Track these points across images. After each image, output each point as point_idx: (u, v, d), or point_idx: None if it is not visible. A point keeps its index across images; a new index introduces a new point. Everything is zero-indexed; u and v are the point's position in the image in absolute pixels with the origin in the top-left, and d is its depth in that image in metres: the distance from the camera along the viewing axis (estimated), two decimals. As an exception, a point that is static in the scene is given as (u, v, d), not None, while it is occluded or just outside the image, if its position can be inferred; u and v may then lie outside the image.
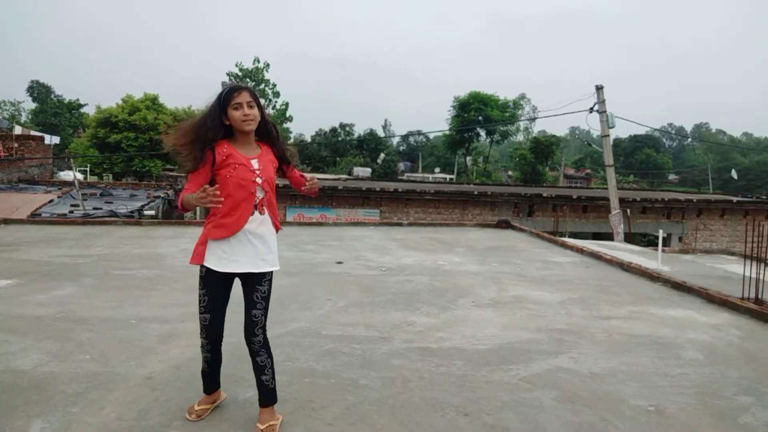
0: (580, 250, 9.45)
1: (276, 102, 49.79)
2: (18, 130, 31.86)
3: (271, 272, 3.17)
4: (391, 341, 4.73)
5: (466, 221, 17.71)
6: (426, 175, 62.00)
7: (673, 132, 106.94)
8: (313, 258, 8.33)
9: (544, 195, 20.94)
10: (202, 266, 3.11)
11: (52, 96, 64.09)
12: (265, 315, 3.15)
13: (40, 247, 8.43)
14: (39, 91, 64.42)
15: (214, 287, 3.11)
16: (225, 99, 2.98)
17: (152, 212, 17.64)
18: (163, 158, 36.13)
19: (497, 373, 4.08)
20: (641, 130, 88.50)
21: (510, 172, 69.72)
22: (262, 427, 3.11)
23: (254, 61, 49.18)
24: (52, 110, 60.65)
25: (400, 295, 6.33)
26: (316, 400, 3.55)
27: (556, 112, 16.79)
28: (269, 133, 3.20)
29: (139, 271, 7.10)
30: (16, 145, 25.65)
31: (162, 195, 23.22)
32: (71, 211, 16.49)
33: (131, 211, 17.03)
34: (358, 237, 10.68)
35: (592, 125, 16.87)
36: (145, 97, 37.14)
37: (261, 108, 3.08)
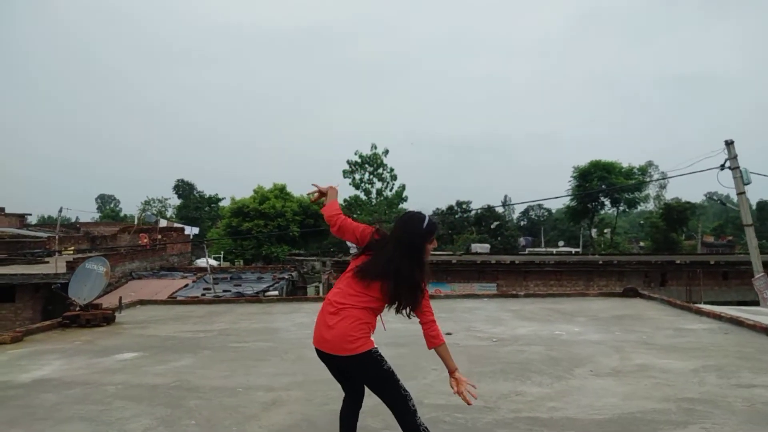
0: (718, 316, 8.47)
1: (393, 185, 51.25)
2: (163, 223, 35.29)
3: None
4: (497, 411, 4.41)
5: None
6: (549, 249, 59.88)
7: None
8: (421, 329, 8.14)
9: (678, 262, 19.35)
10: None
11: (195, 192, 70.62)
12: None
13: (169, 324, 9.00)
14: (183, 188, 71.32)
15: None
16: (428, 233, 3.10)
17: (275, 292, 18.41)
18: (290, 243, 38.16)
19: (615, 446, 3.63)
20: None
21: (641, 243, 65.46)
22: None
23: (372, 147, 51.45)
24: (194, 205, 66.67)
25: (511, 365, 5.96)
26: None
27: (683, 171, 15.61)
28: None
29: (254, 344, 7.32)
30: (159, 236, 28.29)
31: (286, 277, 24.27)
32: (203, 294, 17.63)
33: (256, 292, 17.90)
34: (471, 309, 10.36)
35: (725, 183, 15.45)
36: (274, 187, 39.86)
37: None
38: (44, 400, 4.84)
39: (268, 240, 36.40)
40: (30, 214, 48.08)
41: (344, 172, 45.67)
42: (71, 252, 23.30)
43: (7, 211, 42.32)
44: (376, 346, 3.06)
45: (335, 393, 4.96)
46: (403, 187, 52.86)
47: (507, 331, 7.97)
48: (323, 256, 30.97)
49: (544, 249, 60.41)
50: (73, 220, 55.29)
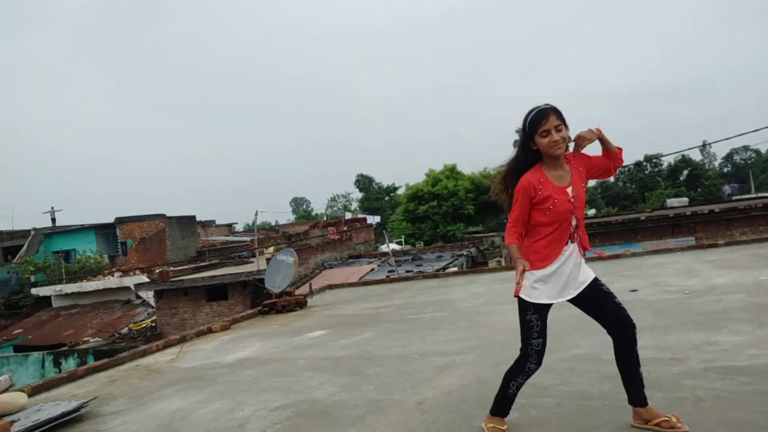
0: None
1: (568, 147, 48.88)
2: (347, 216, 37.47)
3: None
4: (686, 362, 4.01)
5: (815, 234, 14.37)
6: (763, 194, 52.61)
7: None
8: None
9: None
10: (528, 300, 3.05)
11: (374, 184, 73.84)
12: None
13: (353, 304, 9.56)
14: (363, 182, 74.91)
15: (545, 314, 3.06)
16: (532, 124, 2.92)
17: (455, 269, 18.61)
18: (466, 221, 38.26)
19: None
20: None
21: None
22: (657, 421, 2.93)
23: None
24: (374, 196, 69.76)
25: (704, 315, 5.37)
26: (589, 422, 3.19)
27: None
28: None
29: (430, 314, 7.48)
30: (345, 228, 30.07)
31: (465, 253, 24.41)
32: (387, 276, 18.40)
33: (436, 270, 18.25)
34: (661, 264, 9.52)
35: None
36: (445, 168, 40.23)
37: (565, 123, 2.94)
38: (245, 376, 5.43)
39: (443, 220, 36.83)
40: (236, 223, 54.15)
41: (515, 142, 44.65)
42: (271, 251, 25.74)
43: (217, 222, 48.29)
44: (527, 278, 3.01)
45: (508, 354, 4.89)
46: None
47: (702, 283, 7.20)
48: (502, 230, 30.55)
49: (754, 195, 53.25)
50: (273, 223, 61.08)
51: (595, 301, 3.04)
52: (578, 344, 4.94)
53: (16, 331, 23.33)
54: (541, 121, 2.88)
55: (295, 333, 7.46)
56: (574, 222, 2.99)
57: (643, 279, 8.09)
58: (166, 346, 7.54)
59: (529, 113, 2.95)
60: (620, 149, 3.09)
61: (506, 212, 3.13)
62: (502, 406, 3.19)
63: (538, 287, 2.99)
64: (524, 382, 3.13)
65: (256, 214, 24.26)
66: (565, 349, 4.82)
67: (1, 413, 4.41)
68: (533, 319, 3.02)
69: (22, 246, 32.96)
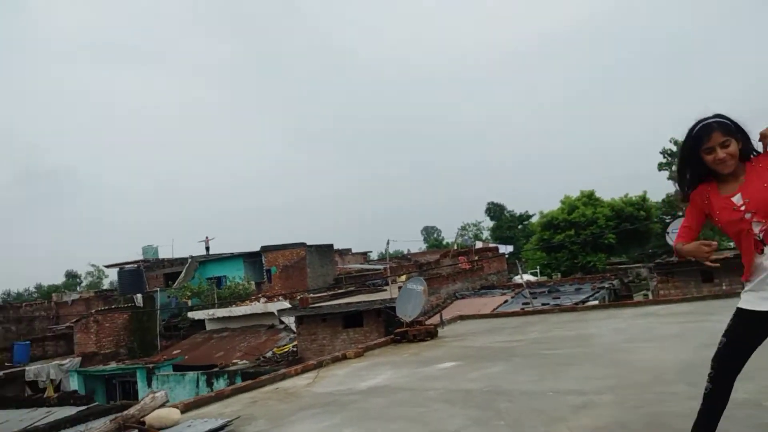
0: None
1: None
2: (479, 245, 37.09)
3: None
4: None
5: None
6: None
7: None
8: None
9: None
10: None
11: (506, 212, 72.58)
12: None
13: (484, 336, 9.38)
14: (494, 210, 73.88)
15: (745, 323, 2.82)
16: (695, 142, 2.81)
17: (595, 302, 17.63)
18: (607, 251, 36.22)
19: None
20: None
21: None
22: None
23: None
24: (506, 225, 68.47)
25: None
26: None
27: None
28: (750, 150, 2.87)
29: (565, 350, 7.15)
30: (476, 257, 29.76)
31: (606, 285, 23.07)
32: (522, 308, 17.87)
33: (575, 303, 17.42)
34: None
35: None
36: (582, 195, 38.53)
37: (735, 136, 2.75)
38: (376, 404, 5.52)
39: (582, 250, 35.14)
40: (371, 251, 55.72)
41: (659, 165, 41.77)
42: (403, 279, 26.11)
43: (353, 251, 50.05)
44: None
45: (651, 396, 4.55)
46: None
47: None
48: (648, 261, 28.56)
49: None
50: (405, 252, 62.00)
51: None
52: (734, 388, 4.44)
53: (175, 352, 25.56)
54: (703, 138, 2.76)
55: (425, 363, 7.47)
56: (757, 229, 2.70)
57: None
58: (304, 371, 7.87)
59: (692, 127, 2.83)
60: None
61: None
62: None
63: (743, 297, 2.84)
64: (709, 391, 2.94)
65: (388, 243, 24.80)
66: (718, 393, 4.36)
67: (158, 426, 4.85)
68: (732, 323, 2.86)
69: (180, 272, 36.30)
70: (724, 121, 2.77)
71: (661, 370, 5.39)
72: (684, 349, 6.17)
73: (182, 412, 5.80)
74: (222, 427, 4.93)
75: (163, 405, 5.16)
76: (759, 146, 2.83)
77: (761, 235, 2.70)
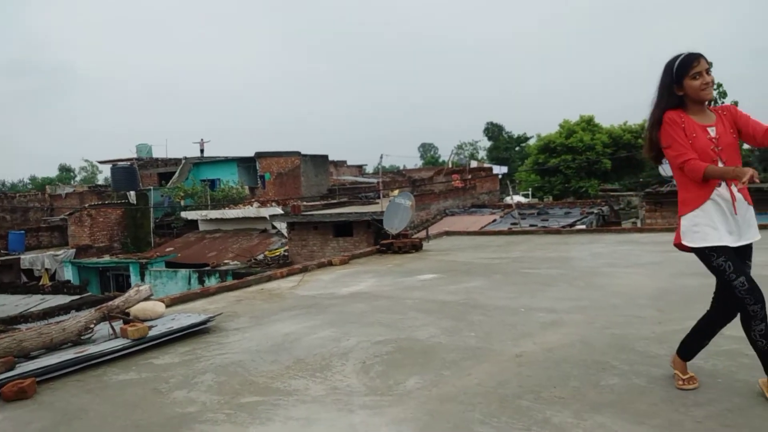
0: None
1: (722, 102, 44.23)
2: (474, 164, 37.01)
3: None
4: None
5: None
6: None
7: None
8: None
9: None
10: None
11: (504, 133, 71.92)
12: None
13: (468, 252, 9.58)
14: (493, 131, 73.16)
15: (730, 254, 2.85)
16: (682, 68, 2.92)
17: (583, 226, 17.87)
18: (601, 177, 36.30)
19: None
20: None
21: None
22: None
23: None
24: (503, 146, 68.05)
25: None
26: (696, 398, 3.05)
27: None
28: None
29: (544, 270, 7.32)
30: (469, 176, 29.79)
31: (596, 211, 23.29)
32: (509, 228, 18.11)
33: (562, 226, 17.65)
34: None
35: None
36: (581, 120, 38.07)
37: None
38: (355, 309, 5.70)
39: (576, 174, 35.19)
40: (366, 165, 55.52)
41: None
42: (396, 193, 26.24)
43: (348, 163, 49.93)
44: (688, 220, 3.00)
45: (619, 318, 4.72)
46: (735, 104, 45.25)
47: None
48: (641, 189, 28.67)
49: None
50: (401, 167, 61.88)
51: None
52: (698, 315, 4.60)
53: (168, 249, 26.01)
54: (692, 63, 2.88)
55: (407, 274, 7.66)
56: (720, 165, 2.85)
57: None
58: (289, 274, 8.08)
59: (675, 58, 2.95)
60: None
61: (668, 161, 3.03)
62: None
63: (698, 230, 2.91)
64: (763, 327, 2.79)
65: (381, 157, 24.91)
66: (681, 319, 4.50)
67: (142, 318, 5.02)
68: (720, 262, 2.85)
69: (174, 173, 36.28)
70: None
71: (635, 295, 5.56)
72: (660, 276, 6.34)
73: (168, 306, 5.99)
74: (205, 321, 5.10)
75: (148, 298, 5.31)
76: None
77: None
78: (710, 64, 2.97)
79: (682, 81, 2.91)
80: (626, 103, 79.10)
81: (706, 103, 3.02)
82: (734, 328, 4.08)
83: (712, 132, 2.91)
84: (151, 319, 5.08)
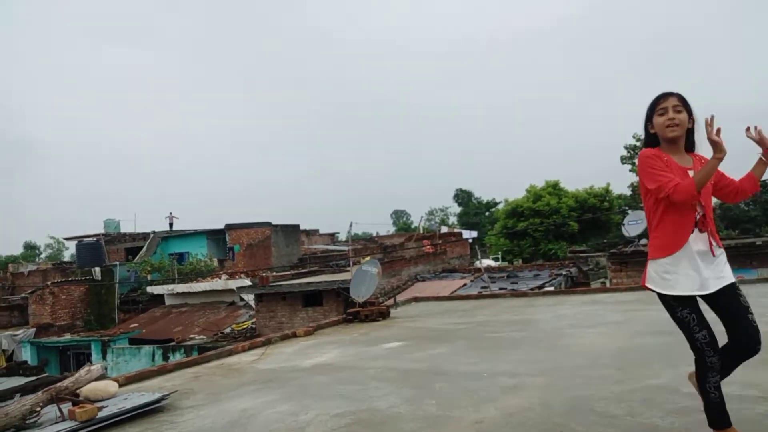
0: None
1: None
2: (444, 229, 37.35)
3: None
4: (775, 402, 3.65)
5: None
6: None
7: None
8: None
9: None
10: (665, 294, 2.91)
11: (473, 199, 73.15)
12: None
13: (435, 317, 9.52)
14: (462, 196, 74.41)
15: (694, 306, 2.84)
16: (651, 106, 2.93)
17: (551, 288, 17.99)
18: (569, 240, 36.89)
19: None
20: None
21: None
22: None
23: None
24: (473, 211, 69.05)
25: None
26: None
27: None
28: (693, 144, 2.99)
29: (509, 334, 7.31)
30: (440, 242, 29.99)
31: (564, 272, 23.53)
32: (479, 292, 18.12)
33: (531, 288, 17.73)
34: (773, 293, 8.70)
35: None
36: (547, 185, 39.05)
37: (690, 114, 2.89)
38: (316, 381, 5.57)
39: (544, 238, 35.72)
40: (338, 233, 55.54)
41: (622, 158, 42.46)
42: (367, 260, 26.19)
43: (321, 232, 49.94)
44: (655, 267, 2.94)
45: (580, 380, 4.70)
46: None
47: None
48: (608, 250, 29.14)
49: None
50: (374, 234, 62.05)
51: (731, 306, 2.81)
52: (658, 374, 4.63)
53: (133, 325, 25.23)
54: (659, 99, 2.88)
55: (372, 342, 7.55)
56: (699, 209, 2.83)
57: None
58: (252, 347, 7.88)
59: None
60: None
61: (650, 199, 2.92)
62: (717, 417, 2.85)
63: (669, 278, 2.84)
64: (718, 379, 2.81)
65: (351, 225, 25.00)
66: (641, 378, 4.55)
67: (93, 399, 4.81)
68: (684, 314, 2.82)
69: (142, 247, 35.72)
70: (683, 95, 2.91)
71: (596, 355, 5.56)
72: (622, 335, 6.36)
73: (122, 385, 5.77)
74: (159, 400, 4.92)
75: (100, 378, 5.11)
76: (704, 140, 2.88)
77: (697, 216, 2.84)
78: (688, 105, 2.88)
79: (652, 118, 2.92)
80: (592, 168, 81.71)
81: (684, 148, 2.94)
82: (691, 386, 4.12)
83: (692, 174, 2.81)
84: (103, 399, 4.88)
